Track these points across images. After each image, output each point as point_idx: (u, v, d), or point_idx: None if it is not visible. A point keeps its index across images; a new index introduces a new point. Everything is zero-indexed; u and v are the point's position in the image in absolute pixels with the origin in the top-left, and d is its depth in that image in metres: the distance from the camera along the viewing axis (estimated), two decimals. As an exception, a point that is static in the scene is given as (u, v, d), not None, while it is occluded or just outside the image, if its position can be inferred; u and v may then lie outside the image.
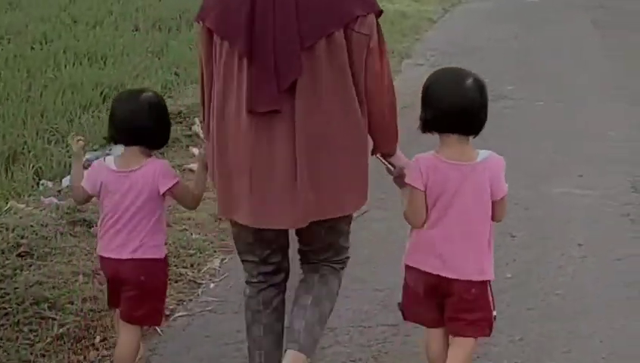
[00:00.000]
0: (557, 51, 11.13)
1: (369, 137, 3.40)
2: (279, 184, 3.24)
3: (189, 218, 5.87)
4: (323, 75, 3.16)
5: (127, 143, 3.57)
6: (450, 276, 3.30)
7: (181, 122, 7.70)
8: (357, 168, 3.36)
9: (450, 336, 3.42)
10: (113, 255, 3.59)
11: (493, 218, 3.34)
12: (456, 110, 3.22)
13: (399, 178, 3.43)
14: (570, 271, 5.20)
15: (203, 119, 3.53)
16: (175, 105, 8.06)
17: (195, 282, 5.10)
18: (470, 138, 3.29)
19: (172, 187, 3.55)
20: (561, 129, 7.89)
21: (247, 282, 3.60)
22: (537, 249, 5.46)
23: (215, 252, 5.51)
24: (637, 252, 5.43)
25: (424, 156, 3.32)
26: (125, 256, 3.56)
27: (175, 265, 5.23)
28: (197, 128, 7.18)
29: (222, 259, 5.41)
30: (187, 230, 5.74)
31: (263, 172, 3.25)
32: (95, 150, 7.10)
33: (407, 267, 3.44)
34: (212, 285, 5.07)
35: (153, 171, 3.54)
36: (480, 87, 3.26)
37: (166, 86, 9.12)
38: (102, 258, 3.67)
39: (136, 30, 11.94)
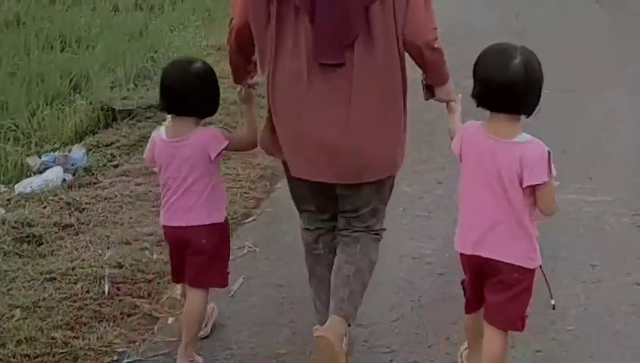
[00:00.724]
0: (562, 34, 10.29)
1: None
2: (336, 139, 3.40)
3: (150, 234, 5.13)
4: (376, 32, 3.34)
5: (179, 113, 3.61)
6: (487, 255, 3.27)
7: (149, 117, 6.93)
8: (398, 126, 3.55)
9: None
10: (176, 224, 3.70)
11: (537, 205, 3.21)
12: (499, 89, 3.14)
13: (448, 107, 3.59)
14: (583, 299, 4.47)
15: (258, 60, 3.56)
16: (146, 96, 7.29)
17: (151, 316, 4.38)
18: (522, 117, 3.19)
19: (222, 151, 3.65)
20: (567, 122, 7.11)
21: (306, 229, 3.78)
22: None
23: (178, 276, 4.76)
24: (658, 274, 4.72)
25: (473, 124, 3.32)
26: (187, 223, 3.66)
27: (130, 294, 4.53)
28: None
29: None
30: (146, 249, 5.00)
31: (322, 124, 3.39)
32: (55, 150, 6.35)
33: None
34: (170, 320, 4.32)
35: (203, 138, 3.61)
36: (527, 65, 3.12)
37: (140, 75, 8.32)
38: (166, 227, 3.78)
39: (115, 10, 11.13)
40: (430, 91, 3.64)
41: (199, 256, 3.71)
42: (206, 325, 3.99)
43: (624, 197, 5.72)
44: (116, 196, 5.72)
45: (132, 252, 4.92)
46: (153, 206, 5.51)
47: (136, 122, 6.84)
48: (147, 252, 4.95)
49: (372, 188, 3.60)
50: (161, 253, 4.89)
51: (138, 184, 5.89)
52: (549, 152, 3.15)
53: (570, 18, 11.24)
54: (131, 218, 5.39)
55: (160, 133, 3.69)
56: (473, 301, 3.45)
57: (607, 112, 7.57)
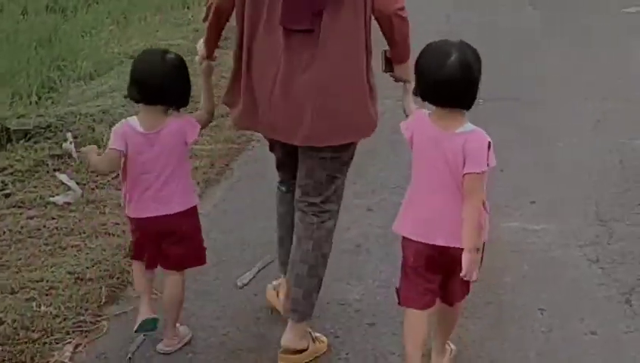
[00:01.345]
0: (495, 36, 9.73)
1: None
2: (298, 102, 3.46)
3: (40, 280, 4.42)
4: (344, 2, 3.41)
5: (149, 102, 3.59)
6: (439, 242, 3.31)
7: (49, 138, 6.14)
8: (364, 95, 3.55)
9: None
10: (157, 213, 3.67)
11: (464, 195, 3.21)
12: (437, 86, 3.20)
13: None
14: (534, 356, 3.87)
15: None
16: (46, 114, 6.53)
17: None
18: (464, 111, 3.25)
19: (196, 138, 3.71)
20: (505, 136, 6.49)
21: (281, 182, 3.93)
22: (487, 321, 4.14)
23: (68, 333, 4.06)
24: (614, 318, 4.15)
25: (421, 114, 3.36)
26: (169, 211, 3.66)
27: (9, 359, 3.79)
28: (70, 146, 5.63)
29: (77, 346, 3.98)
30: (34, 299, 4.28)
31: (285, 88, 3.45)
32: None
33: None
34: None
35: (180, 126, 3.63)
36: (463, 63, 3.16)
37: (45, 86, 7.54)
38: (140, 219, 3.71)
39: (24, 14, 10.28)
40: (389, 65, 3.68)
41: (181, 242, 3.75)
42: (179, 343, 3.92)
43: (572, 224, 5.16)
44: (4, 232, 4.98)
45: (16, 303, 4.19)
46: (46, 244, 4.82)
47: (33, 143, 6.07)
48: (34, 303, 4.22)
49: (333, 154, 3.61)
50: (50, 305, 4.19)
51: (31, 218, 5.16)
52: (490, 143, 3.21)
53: (503, 21, 10.70)
54: (19, 259, 4.66)
55: (132, 124, 3.62)
56: (420, 291, 3.40)
57: (548, 123, 7.03)
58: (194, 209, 3.80)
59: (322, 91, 3.45)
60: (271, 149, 3.92)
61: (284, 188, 3.95)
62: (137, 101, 3.66)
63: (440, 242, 3.29)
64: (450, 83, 3.17)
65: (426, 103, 3.33)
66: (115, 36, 9.38)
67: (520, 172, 5.93)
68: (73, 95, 7.40)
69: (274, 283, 4.16)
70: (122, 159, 3.62)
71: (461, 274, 3.18)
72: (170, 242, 3.73)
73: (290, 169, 3.82)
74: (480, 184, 3.22)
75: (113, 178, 5.57)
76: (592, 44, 9.48)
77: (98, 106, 6.72)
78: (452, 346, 3.74)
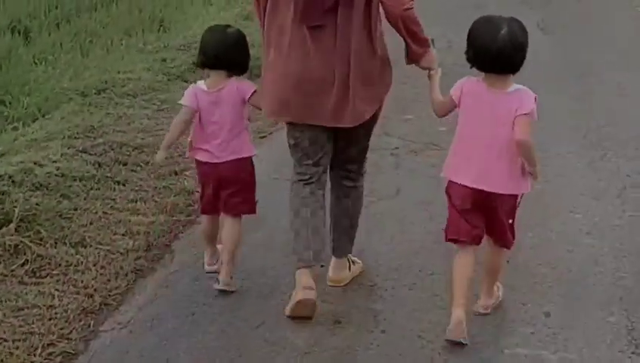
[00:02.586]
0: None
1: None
2: (322, 89, 3.84)
3: None
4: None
5: (214, 67, 4.16)
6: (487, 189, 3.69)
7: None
8: (381, 76, 3.97)
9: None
10: (222, 160, 4.17)
11: (515, 137, 3.63)
12: (489, 56, 3.63)
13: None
14: None
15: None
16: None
17: None
18: (511, 75, 3.66)
19: (252, 95, 4.15)
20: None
21: (298, 181, 4.09)
22: None
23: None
24: None
25: (471, 79, 3.75)
26: (227, 158, 4.16)
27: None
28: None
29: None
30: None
31: (311, 77, 3.84)
32: None
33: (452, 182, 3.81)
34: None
35: (236, 85, 4.17)
36: (512, 36, 3.57)
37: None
38: (208, 164, 4.22)
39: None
40: (411, 57, 3.99)
41: (236, 191, 4.18)
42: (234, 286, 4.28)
43: (599, 349, 3.82)
44: None
45: None
46: None
47: None
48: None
49: (365, 127, 4.01)
50: None
51: None
52: (535, 97, 3.70)
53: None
54: None
55: (199, 86, 4.19)
56: (466, 229, 3.77)
57: (562, 184, 5.70)
58: (249, 159, 4.25)
59: (352, 76, 3.82)
60: (295, 143, 4.07)
61: (305, 180, 4.10)
62: (203, 67, 4.26)
63: (488, 188, 3.68)
64: (503, 52, 3.57)
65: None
66: (72, 65, 8.06)
67: (528, 260, 4.63)
68: (3, 142, 6.10)
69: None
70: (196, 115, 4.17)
71: (528, 169, 3.70)
72: (228, 190, 4.17)
73: (314, 155, 4.05)
74: (530, 126, 3.65)
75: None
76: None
77: (21, 163, 5.40)
78: (500, 292, 4.09)
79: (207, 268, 4.44)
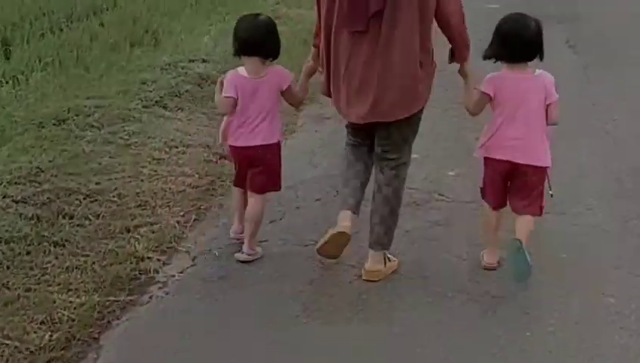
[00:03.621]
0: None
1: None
2: (368, 88, 4.11)
3: None
4: (403, 6, 3.96)
5: (247, 53, 4.29)
6: (521, 161, 4.22)
7: None
8: (416, 80, 4.13)
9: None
10: (252, 143, 4.38)
11: (548, 120, 4.25)
12: (524, 44, 4.16)
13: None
14: None
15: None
16: None
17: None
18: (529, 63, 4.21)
19: (289, 87, 4.39)
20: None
21: (351, 145, 4.47)
22: None
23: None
24: None
25: (499, 74, 4.25)
26: (262, 142, 4.38)
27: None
28: None
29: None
30: None
31: (356, 77, 4.11)
32: None
33: (486, 158, 4.38)
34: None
35: (278, 74, 4.37)
36: (539, 26, 4.19)
37: None
38: (239, 148, 4.45)
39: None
40: (453, 57, 4.34)
41: (263, 171, 4.43)
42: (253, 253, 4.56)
43: None
44: None
45: None
46: None
47: None
48: None
49: (405, 122, 4.24)
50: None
51: None
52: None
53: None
54: None
55: (239, 73, 4.33)
56: (501, 200, 4.39)
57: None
58: (279, 144, 4.46)
59: (388, 82, 4.06)
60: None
61: (357, 142, 4.43)
62: (237, 54, 4.38)
63: (522, 161, 4.22)
64: (532, 42, 4.17)
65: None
66: (40, 87, 7.01)
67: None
68: None
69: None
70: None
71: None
72: (255, 169, 4.41)
73: (365, 134, 4.37)
74: (557, 107, 4.26)
75: None
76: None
77: None
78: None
79: (233, 235, 4.74)
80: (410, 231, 4.96)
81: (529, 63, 4.26)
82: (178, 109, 6.81)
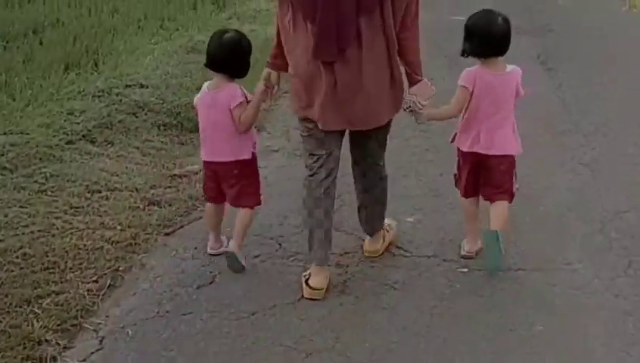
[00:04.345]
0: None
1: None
2: (346, 103, 4.02)
3: None
4: (376, 31, 3.94)
5: (215, 70, 4.27)
6: (494, 153, 4.33)
7: None
8: (391, 95, 4.14)
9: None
10: (212, 159, 4.33)
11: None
12: (494, 39, 4.25)
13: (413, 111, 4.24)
14: None
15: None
16: None
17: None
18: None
19: (236, 106, 4.20)
20: None
21: (310, 176, 4.19)
22: None
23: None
24: None
25: (474, 69, 4.30)
26: (226, 159, 4.29)
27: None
28: None
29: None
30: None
31: (331, 96, 4.01)
32: None
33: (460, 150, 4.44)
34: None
35: (226, 91, 4.24)
36: (508, 21, 4.26)
37: None
38: (205, 162, 4.43)
39: None
40: (416, 116, 4.32)
41: (237, 185, 4.33)
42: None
43: None
44: None
45: None
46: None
47: None
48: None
49: (381, 130, 4.24)
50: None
51: None
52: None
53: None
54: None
55: (205, 86, 4.34)
56: (471, 188, 4.47)
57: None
58: (249, 160, 4.34)
59: (366, 97, 4.02)
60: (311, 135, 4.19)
61: (317, 173, 4.18)
62: (208, 67, 4.33)
63: (495, 152, 4.32)
64: (502, 37, 4.24)
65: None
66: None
67: None
68: None
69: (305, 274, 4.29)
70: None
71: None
72: (228, 185, 4.34)
73: (329, 146, 4.17)
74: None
75: None
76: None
77: None
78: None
79: (210, 251, 4.53)
80: (359, 296, 4.17)
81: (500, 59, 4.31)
82: (108, 143, 5.98)
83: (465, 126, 4.38)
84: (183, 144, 6.21)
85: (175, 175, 5.58)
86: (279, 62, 4.18)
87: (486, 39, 4.23)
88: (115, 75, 7.16)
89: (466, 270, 4.45)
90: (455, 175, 4.55)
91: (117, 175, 5.47)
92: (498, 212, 4.38)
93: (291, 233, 4.82)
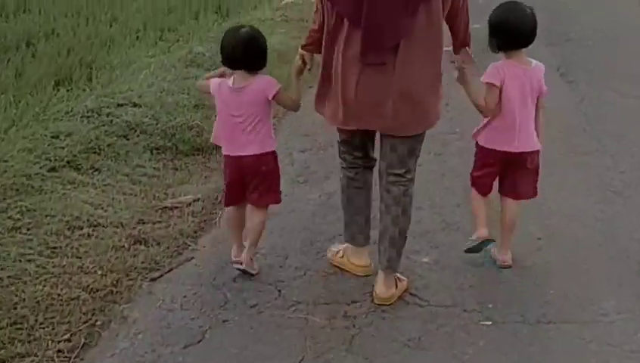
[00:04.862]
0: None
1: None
2: (391, 107, 3.81)
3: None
4: (420, 32, 3.73)
5: (232, 67, 4.08)
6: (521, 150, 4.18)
7: None
8: (431, 103, 3.92)
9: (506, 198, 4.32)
10: (239, 153, 4.08)
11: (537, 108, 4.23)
12: (530, 31, 4.11)
13: (460, 73, 4.06)
14: None
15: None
16: None
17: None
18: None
19: (276, 94, 4.04)
20: None
21: (347, 168, 4.17)
22: None
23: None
24: None
25: (500, 63, 4.14)
26: (250, 153, 4.07)
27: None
28: None
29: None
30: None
31: (367, 100, 3.83)
32: None
33: (482, 147, 4.26)
34: None
35: (262, 84, 4.05)
36: (534, 13, 4.13)
37: None
38: (230, 157, 4.14)
39: None
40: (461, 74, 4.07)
41: (261, 181, 4.11)
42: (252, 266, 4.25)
43: None
44: None
45: None
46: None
47: None
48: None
49: (414, 136, 3.96)
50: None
51: None
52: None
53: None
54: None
55: (227, 81, 4.08)
56: (490, 188, 4.30)
57: None
58: (272, 153, 4.13)
59: (405, 100, 3.79)
60: (346, 139, 4.13)
61: (352, 173, 4.15)
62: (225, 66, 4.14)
63: (526, 148, 4.16)
64: (533, 27, 4.11)
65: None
66: None
67: None
68: None
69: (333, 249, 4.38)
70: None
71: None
72: (251, 182, 4.10)
73: (364, 150, 4.12)
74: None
75: None
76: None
77: None
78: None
79: (235, 259, 4.30)
80: (369, 357, 3.60)
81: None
82: (95, 170, 5.41)
83: (496, 123, 4.18)
84: (177, 169, 5.65)
85: (166, 207, 5.01)
86: (314, 46, 4.04)
87: (518, 31, 4.09)
88: (107, 92, 6.58)
89: (489, 323, 3.87)
90: (474, 175, 4.32)
91: (102, 208, 4.90)
92: (512, 214, 4.31)
93: (292, 277, 4.27)
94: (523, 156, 4.18)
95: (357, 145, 4.14)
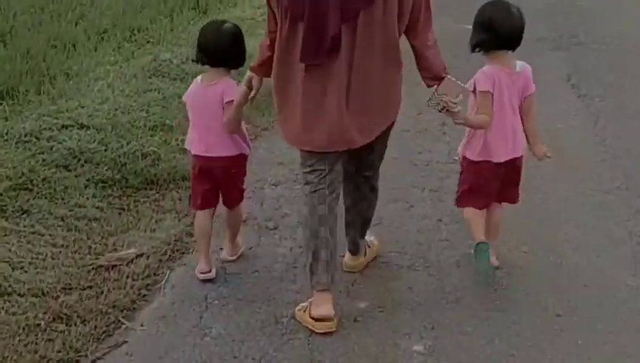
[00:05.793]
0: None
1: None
2: (335, 118, 3.57)
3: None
4: (376, 28, 3.49)
5: (212, 64, 3.88)
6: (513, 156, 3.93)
7: None
8: (390, 102, 3.74)
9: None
10: (206, 154, 3.89)
11: (528, 113, 3.94)
12: (515, 32, 3.82)
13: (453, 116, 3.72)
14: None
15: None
16: None
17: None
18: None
19: (229, 102, 3.82)
20: None
21: (313, 192, 3.72)
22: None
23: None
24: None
25: (488, 68, 3.85)
26: (220, 154, 3.89)
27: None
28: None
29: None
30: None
31: (318, 109, 3.57)
32: None
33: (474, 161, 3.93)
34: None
35: (222, 85, 3.85)
36: (521, 13, 3.84)
37: None
38: (198, 157, 3.94)
39: None
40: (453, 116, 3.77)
41: (233, 183, 4.00)
42: (235, 254, 4.17)
43: None
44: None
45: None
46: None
47: None
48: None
49: (380, 140, 3.80)
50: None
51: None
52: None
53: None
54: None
55: (197, 79, 3.94)
56: (487, 198, 3.98)
57: None
58: (242, 155, 3.96)
59: (363, 107, 3.59)
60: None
61: (320, 188, 3.73)
62: (201, 63, 3.91)
63: (512, 155, 3.91)
64: (519, 29, 3.82)
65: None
66: None
67: None
68: None
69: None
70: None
71: (538, 156, 3.98)
72: (224, 184, 3.98)
73: (329, 161, 3.73)
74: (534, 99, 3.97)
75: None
76: None
77: None
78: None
79: (200, 276, 3.97)
80: None
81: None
82: (23, 213, 4.43)
83: (489, 133, 3.87)
84: (124, 209, 4.65)
85: (101, 266, 4.02)
86: (265, 68, 3.73)
87: (504, 30, 3.81)
88: (52, 111, 5.57)
89: None
90: (461, 191, 4.01)
91: (21, 268, 3.93)
92: (497, 219, 4.10)
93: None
94: (515, 161, 3.93)
95: (323, 159, 3.78)
